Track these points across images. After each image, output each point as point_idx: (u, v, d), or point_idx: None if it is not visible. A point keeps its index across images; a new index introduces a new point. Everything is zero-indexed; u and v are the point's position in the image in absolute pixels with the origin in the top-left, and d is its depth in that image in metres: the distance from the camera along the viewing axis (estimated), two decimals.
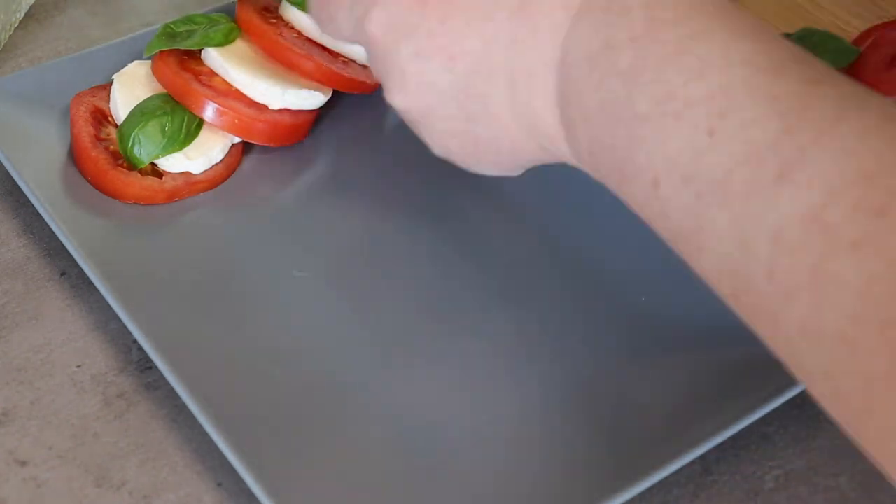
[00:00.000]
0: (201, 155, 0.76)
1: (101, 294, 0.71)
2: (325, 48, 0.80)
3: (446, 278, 0.71)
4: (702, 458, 0.64)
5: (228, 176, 0.77)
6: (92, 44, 0.88)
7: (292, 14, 0.80)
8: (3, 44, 0.87)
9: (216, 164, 0.76)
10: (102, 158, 0.75)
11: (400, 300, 0.70)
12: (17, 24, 0.89)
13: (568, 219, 0.74)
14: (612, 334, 0.68)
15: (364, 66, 0.81)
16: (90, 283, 0.72)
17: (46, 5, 0.91)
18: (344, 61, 0.80)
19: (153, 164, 0.76)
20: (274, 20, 0.80)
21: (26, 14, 0.90)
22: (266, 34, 0.78)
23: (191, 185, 0.75)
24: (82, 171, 0.75)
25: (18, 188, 0.77)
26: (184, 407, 0.66)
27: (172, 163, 0.75)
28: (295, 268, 0.71)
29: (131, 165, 0.75)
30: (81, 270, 0.72)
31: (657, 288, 0.70)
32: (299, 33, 0.80)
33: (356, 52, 0.80)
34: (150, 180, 0.75)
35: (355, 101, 0.81)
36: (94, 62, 0.80)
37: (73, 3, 0.92)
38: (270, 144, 0.78)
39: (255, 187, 0.77)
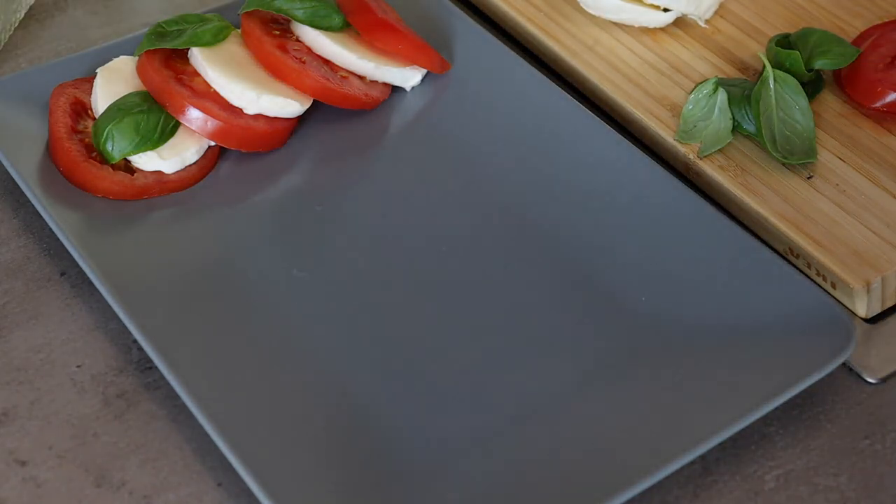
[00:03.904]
0: (175, 155, 0.75)
1: (101, 294, 0.71)
2: (327, 62, 0.80)
3: (442, 278, 0.71)
4: (702, 458, 0.64)
5: (201, 178, 0.76)
6: (92, 44, 0.88)
7: (300, 28, 0.80)
8: (3, 44, 0.87)
9: (189, 166, 0.76)
10: (75, 150, 0.75)
11: (399, 301, 0.70)
12: (17, 24, 0.89)
13: (568, 219, 0.74)
14: (612, 334, 0.68)
15: (369, 82, 0.80)
16: (90, 283, 0.72)
17: (46, 5, 0.91)
18: (343, 76, 0.79)
19: (126, 160, 0.75)
20: (279, 32, 0.80)
21: (26, 14, 0.90)
22: (263, 45, 0.78)
23: (162, 185, 0.75)
24: (55, 162, 0.75)
25: (18, 188, 0.77)
26: (184, 407, 0.66)
27: (145, 161, 0.75)
28: (294, 267, 0.71)
29: (104, 160, 0.75)
30: (81, 270, 0.72)
31: (657, 288, 0.70)
32: (305, 47, 0.80)
33: (365, 67, 0.80)
34: (121, 176, 0.75)
35: (340, 111, 0.80)
36: (93, 62, 0.80)
37: (73, 3, 0.92)
38: (243, 149, 0.77)
39: (255, 189, 0.77)
